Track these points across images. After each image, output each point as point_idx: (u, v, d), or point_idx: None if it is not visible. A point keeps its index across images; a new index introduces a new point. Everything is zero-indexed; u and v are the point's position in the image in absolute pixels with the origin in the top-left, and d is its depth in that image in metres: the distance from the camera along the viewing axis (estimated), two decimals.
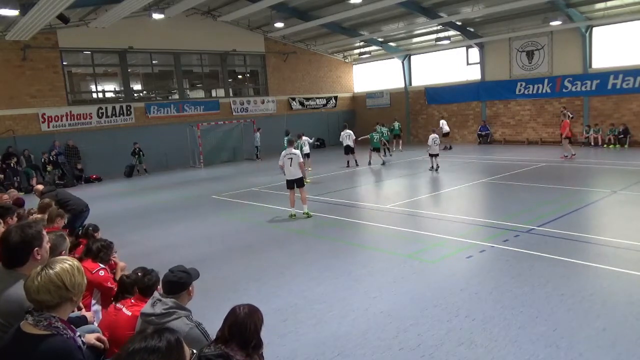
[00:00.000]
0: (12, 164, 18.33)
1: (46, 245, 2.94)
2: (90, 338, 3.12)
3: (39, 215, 6.25)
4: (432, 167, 16.72)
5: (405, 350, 4.61)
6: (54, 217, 5.92)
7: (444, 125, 24.36)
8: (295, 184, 10.73)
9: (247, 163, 23.68)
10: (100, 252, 4.93)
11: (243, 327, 2.81)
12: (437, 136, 16.75)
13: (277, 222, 10.69)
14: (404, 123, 29.00)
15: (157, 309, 3.08)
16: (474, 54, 25.44)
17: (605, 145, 20.64)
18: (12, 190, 9.49)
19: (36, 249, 2.82)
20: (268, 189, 15.18)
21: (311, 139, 19.29)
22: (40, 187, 9.41)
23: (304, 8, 22.86)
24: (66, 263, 2.33)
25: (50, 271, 2.25)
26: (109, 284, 4.64)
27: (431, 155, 16.70)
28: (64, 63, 20.78)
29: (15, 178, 18.27)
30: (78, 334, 2.39)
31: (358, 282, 6.53)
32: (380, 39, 27.44)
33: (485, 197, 12.54)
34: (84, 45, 20.77)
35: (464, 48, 25.78)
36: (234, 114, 25.81)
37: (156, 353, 1.77)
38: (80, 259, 4.47)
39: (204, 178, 18.66)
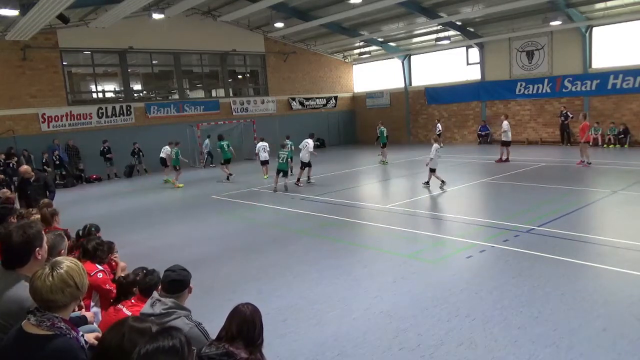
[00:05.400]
0: (11, 164, 18.31)
1: (45, 245, 2.94)
2: (90, 338, 3.12)
3: (39, 216, 6.24)
4: (427, 181, 13.50)
5: (405, 350, 4.61)
6: (50, 217, 5.89)
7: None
8: None
9: (247, 163, 23.66)
10: (97, 250, 4.83)
11: (252, 325, 2.84)
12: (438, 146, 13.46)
13: (277, 222, 10.70)
14: (403, 123, 29.05)
15: (156, 309, 3.07)
16: (474, 54, 25.44)
17: (605, 145, 20.66)
18: (5, 190, 9.50)
19: (37, 248, 2.82)
20: (268, 189, 15.17)
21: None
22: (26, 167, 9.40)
23: (304, 8, 22.86)
24: (72, 263, 2.35)
25: (61, 271, 2.25)
26: (107, 286, 4.61)
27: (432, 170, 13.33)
28: (64, 63, 20.77)
29: (14, 179, 18.25)
30: (81, 333, 2.39)
31: (358, 282, 6.53)
32: (380, 39, 27.44)
33: (485, 197, 12.54)
34: (84, 45, 20.76)
35: (464, 48, 25.79)
36: (234, 114, 25.81)
37: (171, 352, 1.75)
38: (78, 260, 4.45)
39: (204, 178, 18.65)
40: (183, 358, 1.76)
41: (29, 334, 2.18)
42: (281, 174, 14.50)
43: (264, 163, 17.47)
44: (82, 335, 2.42)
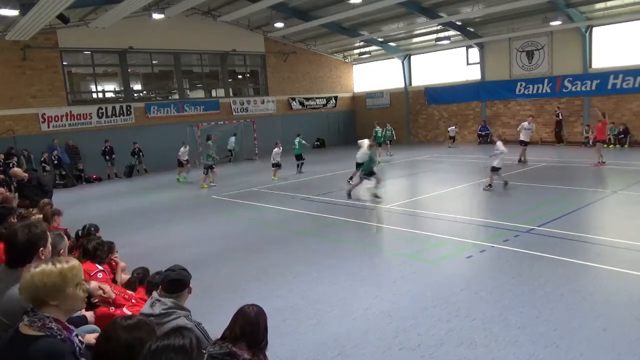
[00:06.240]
0: (11, 164, 18.29)
1: (50, 245, 2.94)
2: (90, 338, 3.12)
3: (40, 216, 6.23)
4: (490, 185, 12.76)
5: (405, 350, 4.61)
6: (50, 216, 5.90)
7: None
8: None
9: (246, 163, 23.67)
10: (97, 250, 4.86)
11: (255, 327, 2.84)
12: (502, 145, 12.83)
13: (277, 222, 10.69)
14: (403, 123, 29.03)
15: (156, 309, 3.08)
16: (474, 54, 25.44)
17: (605, 145, 20.61)
18: (3, 190, 9.51)
19: (41, 248, 2.82)
20: (268, 189, 15.18)
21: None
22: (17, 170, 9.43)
23: (304, 8, 22.87)
24: (49, 264, 2.27)
25: (32, 270, 2.24)
26: None
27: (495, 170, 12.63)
28: (64, 63, 20.77)
29: (13, 179, 18.23)
30: (75, 333, 2.37)
31: (358, 282, 6.53)
32: (380, 39, 27.45)
33: (485, 197, 12.51)
34: (84, 45, 20.76)
35: (464, 48, 25.79)
36: (234, 114, 25.82)
37: (181, 352, 1.76)
38: (79, 260, 4.45)
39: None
40: (192, 359, 1.76)
41: (21, 334, 2.17)
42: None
43: (274, 165, 17.28)
44: (77, 336, 2.41)
